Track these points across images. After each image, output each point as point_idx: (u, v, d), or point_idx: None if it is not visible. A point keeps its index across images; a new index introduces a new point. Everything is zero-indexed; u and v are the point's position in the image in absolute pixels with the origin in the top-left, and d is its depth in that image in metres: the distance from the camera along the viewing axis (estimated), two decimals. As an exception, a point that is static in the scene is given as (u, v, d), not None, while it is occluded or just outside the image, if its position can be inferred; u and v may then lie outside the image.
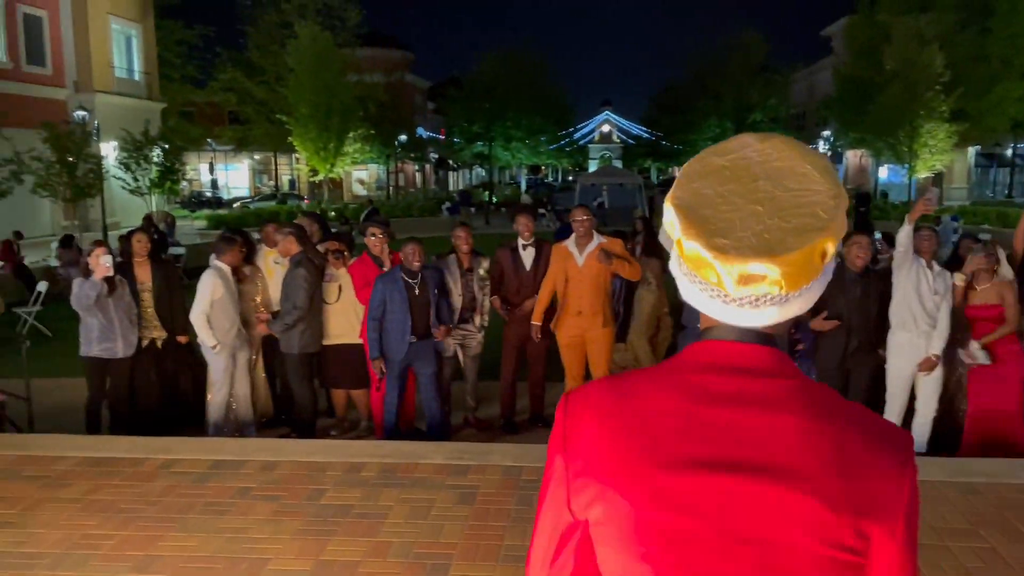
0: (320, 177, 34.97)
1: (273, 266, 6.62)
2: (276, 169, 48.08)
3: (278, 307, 6.34)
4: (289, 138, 33.56)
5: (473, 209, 34.03)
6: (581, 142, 75.06)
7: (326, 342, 6.24)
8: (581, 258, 6.17)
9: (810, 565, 0.95)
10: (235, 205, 39.39)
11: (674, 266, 1.07)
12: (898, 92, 30.05)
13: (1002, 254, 5.80)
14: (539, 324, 6.37)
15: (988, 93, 30.62)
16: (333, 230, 12.55)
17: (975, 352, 5.70)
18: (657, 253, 8.50)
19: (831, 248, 0.98)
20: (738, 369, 1.02)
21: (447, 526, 4.11)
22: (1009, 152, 39.00)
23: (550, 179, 77.33)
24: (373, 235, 6.26)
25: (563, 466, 1.07)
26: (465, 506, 4.33)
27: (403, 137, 43.02)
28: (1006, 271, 5.76)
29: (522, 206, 11.67)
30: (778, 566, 0.96)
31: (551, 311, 6.43)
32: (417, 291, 5.84)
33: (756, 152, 1.03)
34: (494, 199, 41.26)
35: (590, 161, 75.84)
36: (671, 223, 1.04)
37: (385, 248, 6.26)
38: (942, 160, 31.62)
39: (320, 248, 6.33)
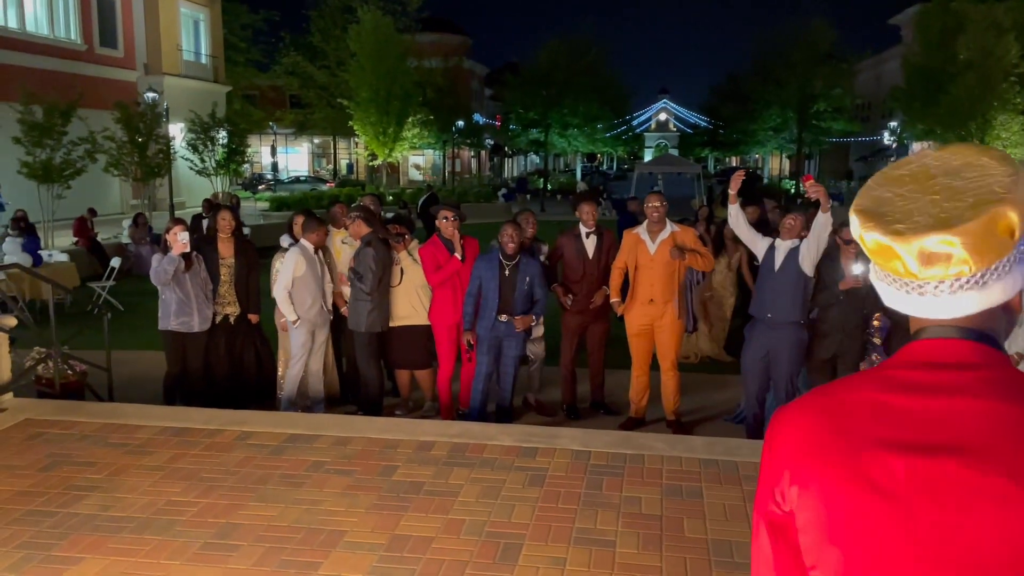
0: (379, 161, 35.34)
1: (340, 246, 6.73)
2: (335, 153, 48.71)
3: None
4: (349, 122, 33.94)
5: (528, 196, 34.05)
6: (637, 130, 74.25)
7: (392, 324, 6.34)
8: (653, 245, 6.13)
9: (1002, 545, 0.93)
10: (296, 181, 40.12)
11: (872, 275, 1.11)
12: (971, 83, 29.02)
13: None
14: (619, 299, 6.36)
15: (1067, 85, 29.45)
16: (389, 214, 12.70)
17: None
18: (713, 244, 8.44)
19: (1016, 217, 0.98)
20: (936, 364, 1.02)
21: (518, 507, 4.16)
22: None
23: (604, 167, 76.84)
24: (445, 218, 6.33)
25: (768, 478, 1.09)
26: (535, 488, 4.37)
27: (460, 123, 43.16)
28: None
29: (583, 193, 11.61)
30: (968, 546, 0.94)
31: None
32: (507, 272, 5.94)
33: (934, 159, 1.06)
34: (549, 186, 41.17)
35: (646, 150, 75.05)
36: (851, 229, 1.08)
37: (456, 231, 6.32)
38: (1015, 155, 30.50)
39: None
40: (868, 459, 0.99)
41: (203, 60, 31.34)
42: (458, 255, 6.18)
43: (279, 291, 6.18)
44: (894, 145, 44.50)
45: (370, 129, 32.90)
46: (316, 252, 6.33)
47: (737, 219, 5.82)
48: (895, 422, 1.00)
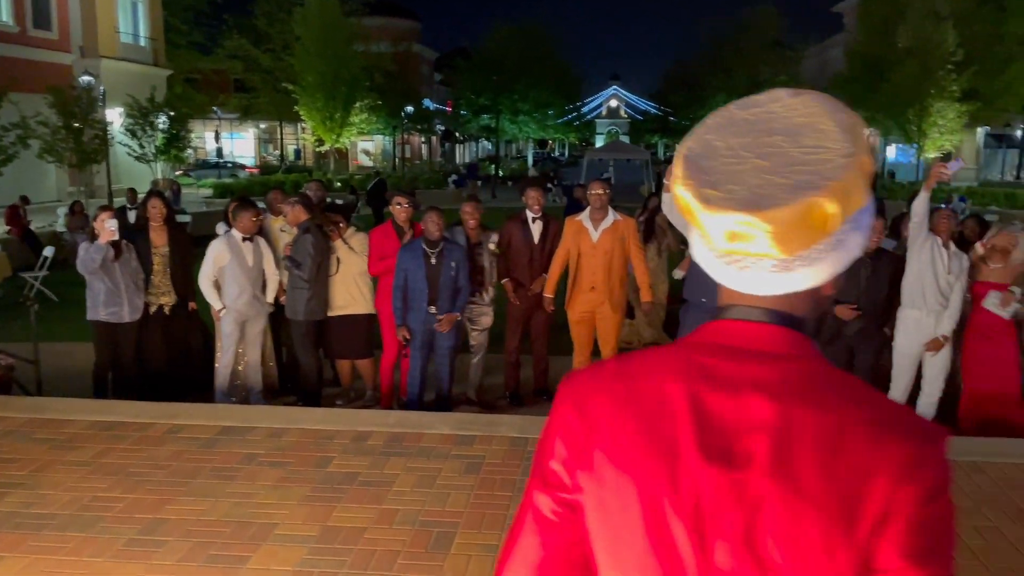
0: (326, 147, 34.85)
1: (279, 234, 6.61)
2: (282, 138, 47.89)
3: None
4: (295, 107, 33.40)
5: (480, 182, 33.94)
6: (588, 116, 74.47)
7: (330, 313, 6.25)
8: (596, 233, 6.13)
9: (789, 559, 0.89)
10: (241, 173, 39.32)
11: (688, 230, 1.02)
12: (910, 70, 29.75)
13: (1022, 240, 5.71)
14: (551, 296, 6.36)
15: (1002, 73, 30.33)
16: (338, 201, 12.49)
17: (990, 304, 5.66)
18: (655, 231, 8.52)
19: (832, 210, 0.89)
20: (746, 352, 0.95)
21: (453, 495, 4.14)
22: (1019, 133, 38.70)
23: (556, 154, 76.94)
24: (399, 204, 6.27)
25: (564, 448, 1.02)
26: (471, 475, 4.36)
27: (410, 108, 42.78)
28: (1019, 256, 5.70)
29: (531, 179, 11.59)
30: (756, 557, 0.90)
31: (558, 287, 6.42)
32: (434, 261, 5.85)
33: (783, 107, 0.97)
34: (500, 173, 41.11)
35: (597, 136, 75.42)
36: (673, 171, 0.99)
37: (408, 218, 6.27)
38: (951, 140, 31.38)
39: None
40: (670, 467, 0.93)
41: (142, 43, 30.48)
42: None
43: (201, 280, 6.08)
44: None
45: (317, 114, 32.45)
46: (248, 240, 6.19)
47: (671, 205, 5.86)
48: (689, 420, 0.94)
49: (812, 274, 0.95)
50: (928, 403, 5.92)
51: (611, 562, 0.99)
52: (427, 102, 49.34)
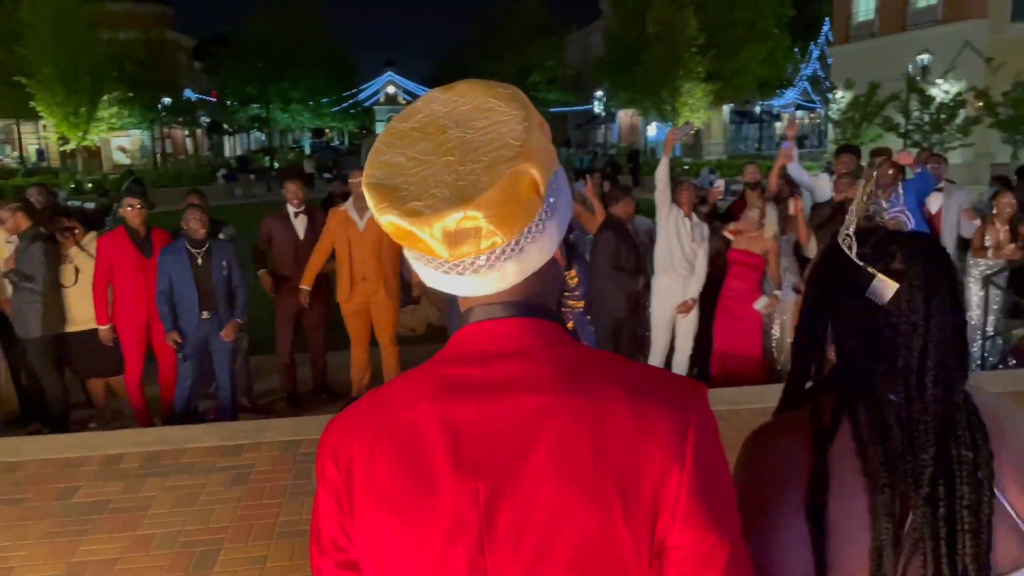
0: (72, 146, 31.59)
1: (4, 245, 5.87)
2: (20, 138, 42.81)
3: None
4: (31, 102, 29.94)
5: (253, 176, 32.35)
6: (366, 104, 73.38)
7: (71, 328, 5.66)
8: (362, 222, 6.00)
9: (570, 557, 0.87)
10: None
11: (405, 251, 0.97)
12: (660, 54, 32.07)
13: (771, 212, 6.26)
14: (308, 289, 6.13)
15: (737, 55, 33.55)
16: (88, 205, 11.37)
17: (759, 306, 6.21)
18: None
19: (535, 173, 0.88)
20: (492, 355, 0.93)
21: (217, 510, 3.90)
22: (757, 109, 43.13)
23: (336, 143, 75.13)
24: (130, 206, 5.73)
25: (332, 505, 0.96)
26: (238, 487, 4.13)
27: (167, 100, 39.84)
28: (771, 224, 6.24)
29: (290, 171, 11.20)
30: (545, 562, 0.87)
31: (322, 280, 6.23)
32: (201, 262, 5.44)
33: (442, 103, 0.95)
34: (275, 164, 39.45)
35: (377, 124, 74.44)
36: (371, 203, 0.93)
37: (143, 221, 5.74)
38: (700, 117, 34.27)
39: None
40: (418, 486, 0.90)
41: None
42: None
43: None
44: (603, 114, 48.15)
45: (57, 110, 29.27)
46: None
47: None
48: (441, 441, 0.90)
49: (541, 248, 0.93)
50: (681, 360, 6.43)
51: None
52: (188, 92, 46.18)
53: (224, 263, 5.54)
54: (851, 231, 1.14)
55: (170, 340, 5.47)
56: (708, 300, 6.36)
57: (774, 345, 6.48)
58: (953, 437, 1.05)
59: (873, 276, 1.09)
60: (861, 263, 1.11)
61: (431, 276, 0.95)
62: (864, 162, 7.28)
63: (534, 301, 0.96)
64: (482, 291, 0.94)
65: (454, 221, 0.86)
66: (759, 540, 1.06)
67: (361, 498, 0.93)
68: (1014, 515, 1.05)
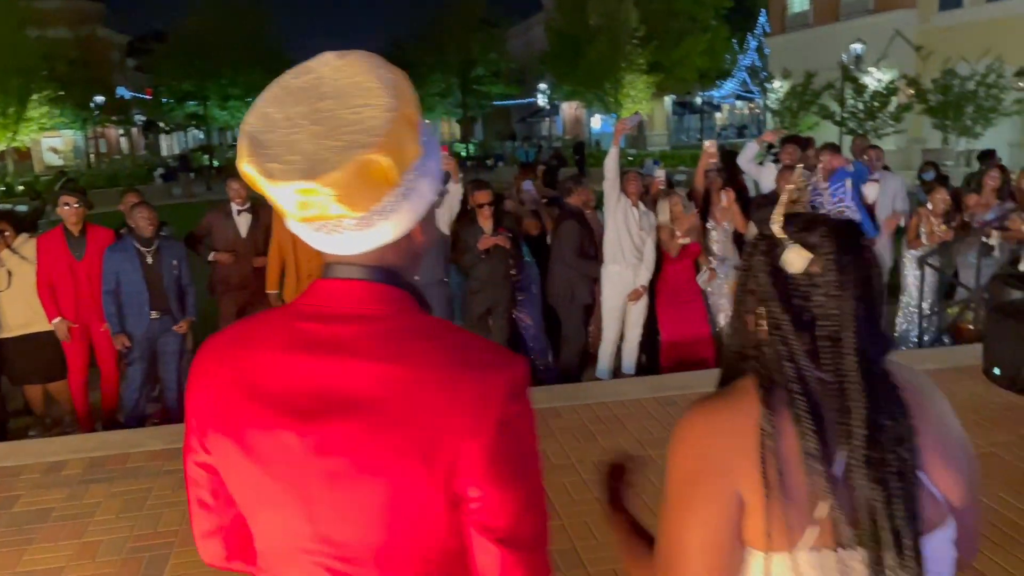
0: (1, 147, 30.47)
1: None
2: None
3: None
4: (-43, 102, 28.79)
5: (193, 175, 31.60)
6: (307, 100, 72.19)
7: (6, 335, 5.47)
8: None
9: (381, 520, 0.97)
10: None
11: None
12: (603, 46, 32.29)
13: (686, 202, 6.40)
14: (276, 292, 6.04)
15: (677, 46, 33.96)
16: (20, 208, 10.99)
17: (702, 280, 6.34)
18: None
19: (387, 163, 0.95)
20: (338, 315, 1.01)
21: (166, 513, 3.83)
22: (699, 100, 43.73)
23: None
24: (67, 204, 5.53)
25: (192, 413, 1.07)
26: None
27: (100, 98, 38.65)
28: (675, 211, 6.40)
29: (233, 169, 10.98)
30: (357, 520, 0.98)
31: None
32: (151, 260, 5.32)
33: (332, 69, 1.00)
34: (215, 163, 38.59)
35: (318, 119, 73.52)
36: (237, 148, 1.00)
37: (79, 220, 5.57)
38: (644, 108, 34.63)
39: None
40: (265, 432, 0.99)
41: None
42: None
43: None
44: (547, 106, 48.28)
45: (-13, 109, 28.23)
46: None
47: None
48: (296, 388, 0.98)
49: (393, 225, 1.00)
50: (630, 348, 6.50)
51: (248, 513, 1.08)
52: (122, 90, 44.87)
53: (174, 261, 5.44)
54: (781, 212, 1.21)
55: (119, 344, 5.33)
56: (654, 289, 6.45)
57: (721, 331, 6.60)
58: (875, 407, 1.11)
59: (787, 247, 1.17)
60: (782, 236, 1.18)
61: (294, 224, 1.02)
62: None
63: (389, 267, 1.04)
64: (337, 251, 1.02)
65: (302, 191, 0.94)
66: (690, 515, 1.12)
67: (211, 420, 1.04)
68: (933, 488, 1.13)
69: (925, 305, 6.98)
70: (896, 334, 7.06)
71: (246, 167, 0.97)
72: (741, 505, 1.10)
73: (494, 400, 0.97)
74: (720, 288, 6.55)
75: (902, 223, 6.98)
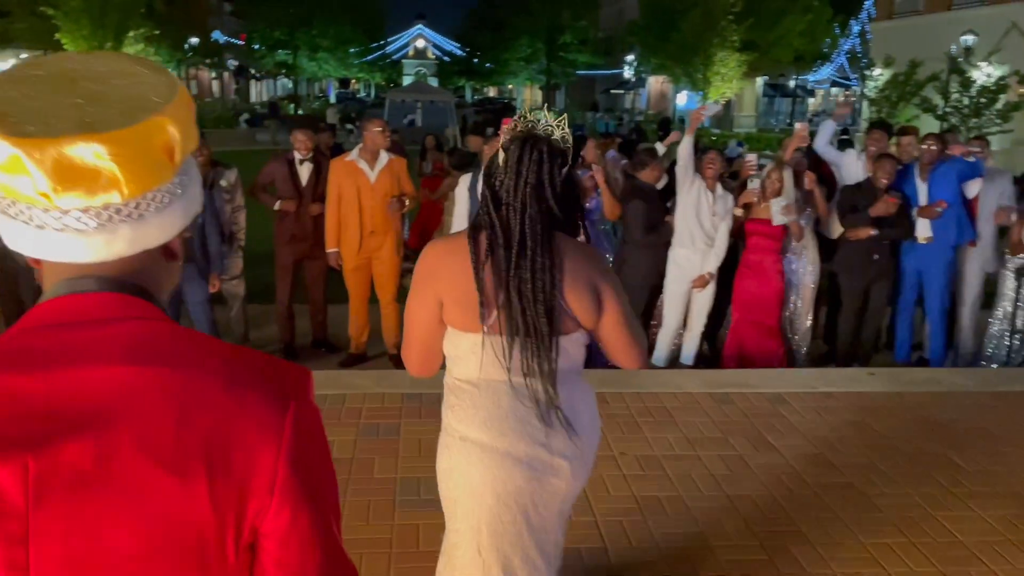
0: (97, 81, 31.41)
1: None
2: (47, 70, 42.72)
3: None
4: (56, 35, 29.75)
5: (280, 122, 32.10)
6: (395, 56, 72.63)
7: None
8: (373, 174, 5.76)
9: (138, 538, 0.79)
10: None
11: None
12: (696, 20, 31.30)
13: (788, 176, 5.93)
14: (336, 250, 5.93)
15: (775, 25, 32.66)
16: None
17: (775, 213, 5.84)
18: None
19: (174, 133, 0.85)
20: (53, 326, 0.84)
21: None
22: (792, 83, 42.13)
23: (362, 94, 74.63)
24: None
25: None
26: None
27: (194, 40, 39.48)
28: (789, 193, 5.93)
29: (300, 119, 11.01)
30: (106, 547, 0.79)
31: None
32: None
33: (78, 62, 0.89)
34: (301, 112, 39.14)
35: (404, 77, 73.68)
36: None
37: None
38: (732, 88, 33.53)
39: None
40: None
41: None
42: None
43: None
44: (633, 79, 47.27)
45: (83, 43, 29.11)
46: None
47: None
48: (18, 414, 0.79)
49: (162, 224, 0.88)
50: (692, 337, 6.19)
51: None
52: (216, 34, 45.78)
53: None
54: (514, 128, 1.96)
55: None
56: (723, 278, 6.11)
57: (787, 322, 6.22)
58: (529, 248, 1.89)
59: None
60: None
61: (19, 232, 0.84)
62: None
63: (136, 282, 0.89)
64: (81, 257, 0.84)
65: (72, 149, 0.78)
66: (416, 301, 1.99)
67: None
68: (568, 308, 1.92)
69: (1020, 321, 6.43)
70: (989, 352, 6.48)
71: None
72: (440, 300, 1.94)
73: (289, 410, 0.86)
74: (798, 287, 6.14)
75: (1013, 218, 6.33)
